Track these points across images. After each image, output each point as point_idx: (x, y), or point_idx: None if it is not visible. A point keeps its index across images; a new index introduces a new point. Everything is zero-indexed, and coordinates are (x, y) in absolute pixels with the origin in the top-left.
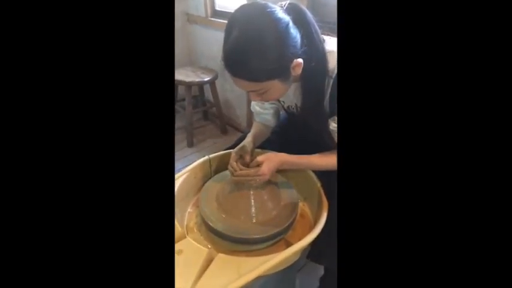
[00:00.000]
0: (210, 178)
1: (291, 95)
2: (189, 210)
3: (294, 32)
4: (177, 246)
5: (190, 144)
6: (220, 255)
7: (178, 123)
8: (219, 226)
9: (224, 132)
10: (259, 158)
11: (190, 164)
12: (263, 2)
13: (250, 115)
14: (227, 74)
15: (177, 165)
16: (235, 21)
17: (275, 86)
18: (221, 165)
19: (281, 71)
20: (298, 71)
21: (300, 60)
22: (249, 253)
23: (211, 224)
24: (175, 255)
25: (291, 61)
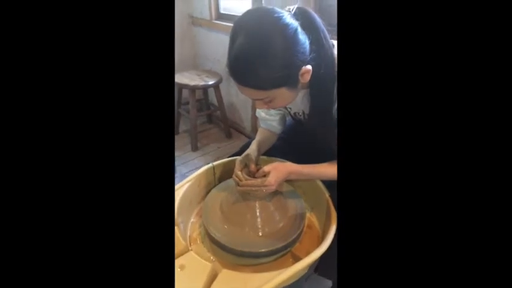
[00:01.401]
0: (213, 186)
1: (298, 101)
2: (192, 220)
3: (303, 38)
4: (180, 261)
5: (195, 148)
6: (225, 271)
7: (183, 127)
8: (222, 239)
9: (228, 136)
10: (266, 168)
11: (195, 168)
12: (270, 6)
13: (255, 119)
14: (232, 80)
15: (182, 169)
16: (241, 27)
17: (282, 94)
18: (225, 172)
19: (289, 79)
20: (307, 78)
21: (309, 67)
22: (254, 267)
23: (214, 237)
24: (178, 270)
25: (300, 68)
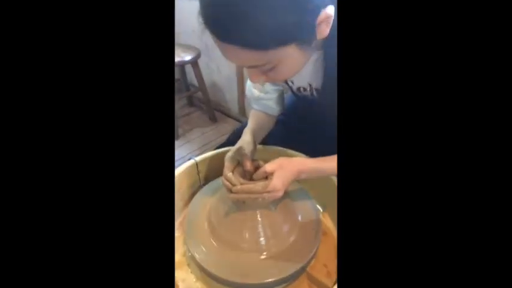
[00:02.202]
0: (198, 187)
1: (305, 71)
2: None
3: None
4: None
5: (176, 136)
6: None
7: None
8: (212, 266)
9: (213, 119)
10: (268, 167)
11: (179, 158)
12: None
13: (242, 98)
14: (212, 48)
15: None
16: None
17: (290, 56)
18: (212, 169)
19: (301, 30)
20: (326, 30)
21: (330, 11)
22: None
23: (202, 264)
24: None
25: (317, 13)
